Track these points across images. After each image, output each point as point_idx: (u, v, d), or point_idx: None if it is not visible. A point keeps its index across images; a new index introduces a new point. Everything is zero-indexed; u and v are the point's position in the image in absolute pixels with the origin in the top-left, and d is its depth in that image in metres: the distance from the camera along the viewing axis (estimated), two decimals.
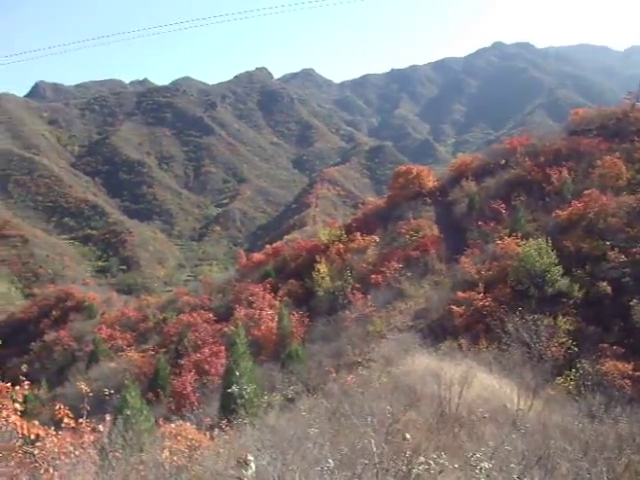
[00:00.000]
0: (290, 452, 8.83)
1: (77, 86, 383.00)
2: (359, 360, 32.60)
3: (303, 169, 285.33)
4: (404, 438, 8.82)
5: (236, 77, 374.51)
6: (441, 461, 6.72)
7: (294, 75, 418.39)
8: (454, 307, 38.02)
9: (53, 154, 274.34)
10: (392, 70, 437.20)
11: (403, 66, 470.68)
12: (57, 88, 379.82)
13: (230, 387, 24.17)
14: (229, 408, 21.71)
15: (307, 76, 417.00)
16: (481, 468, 6.08)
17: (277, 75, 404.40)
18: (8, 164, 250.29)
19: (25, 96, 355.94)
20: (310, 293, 51.56)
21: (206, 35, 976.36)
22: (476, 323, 36.14)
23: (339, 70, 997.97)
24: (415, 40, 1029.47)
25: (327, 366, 32.58)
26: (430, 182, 67.12)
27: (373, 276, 48.54)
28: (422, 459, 6.90)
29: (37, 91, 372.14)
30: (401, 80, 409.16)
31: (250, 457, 8.50)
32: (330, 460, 8.23)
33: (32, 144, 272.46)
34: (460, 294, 39.23)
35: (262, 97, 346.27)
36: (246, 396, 18.62)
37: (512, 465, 9.29)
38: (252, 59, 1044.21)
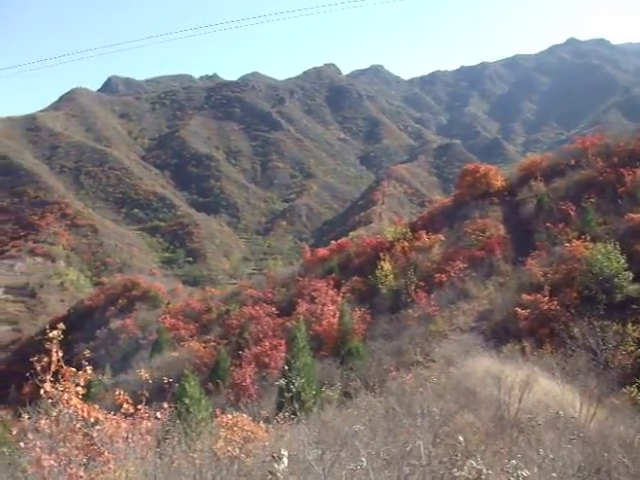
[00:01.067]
0: (339, 448, 8.79)
1: (148, 81, 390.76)
2: (419, 359, 32.31)
3: (370, 166, 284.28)
4: (457, 441, 8.66)
5: (304, 73, 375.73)
6: (487, 470, 6.54)
7: (363, 71, 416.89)
8: (518, 310, 37.23)
9: (124, 147, 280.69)
10: (462, 67, 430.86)
11: (473, 63, 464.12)
12: (129, 83, 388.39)
13: (288, 381, 24.36)
14: (285, 401, 21.81)
15: (376, 72, 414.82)
16: (518, 476, 5.88)
17: (346, 71, 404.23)
18: (81, 156, 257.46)
19: (98, 90, 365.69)
20: (373, 290, 51.30)
21: (275, 31, 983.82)
22: (541, 327, 35.30)
23: (408, 67, 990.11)
24: (485, 37, 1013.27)
25: (387, 364, 32.37)
26: (498, 181, 65.94)
27: (437, 275, 48.05)
28: (472, 463, 6.74)
29: (110, 85, 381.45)
30: (471, 77, 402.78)
31: (284, 452, 8.48)
32: (380, 459, 8.17)
33: (104, 137, 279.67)
34: (525, 296, 38.38)
35: (330, 93, 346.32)
36: (294, 390, 18.71)
37: (568, 475, 9.03)
38: (321, 55, 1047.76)
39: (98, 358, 62.24)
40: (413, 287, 47.42)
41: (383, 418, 14.86)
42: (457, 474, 6.24)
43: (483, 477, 6.23)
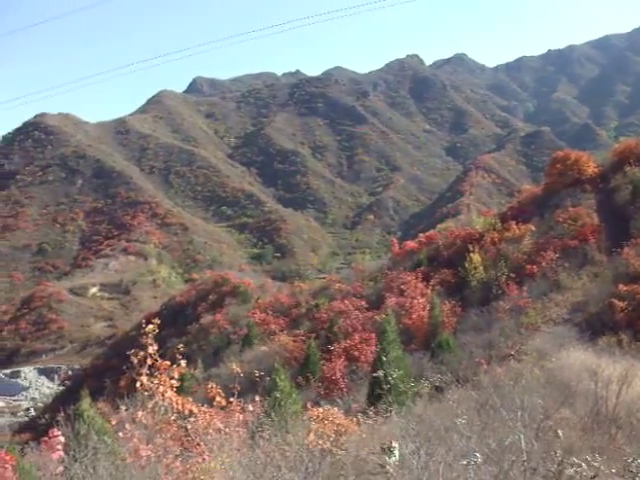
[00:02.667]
0: (435, 442, 8.66)
1: (232, 80, 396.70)
2: (511, 352, 31.61)
3: (457, 156, 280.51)
4: (557, 436, 8.36)
5: (387, 65, 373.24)
6: (595, 464, 6.29)
7: (446, 61, 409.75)
8: (615, 301, 35.84)
9: (211, 146, 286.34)
10: (549, 51, 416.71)
11: (560, 46, 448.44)
12: (213, 83, 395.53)
13: (385, 372, 24.25)
14: (376, 395, 21.74)
15: (459, 61, 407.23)
16: None
17: (428, 61, 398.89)
18: (169, 156, 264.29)
19: (184, 92, 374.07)
20: (463, 282, 50.57)
21: (356, 24, 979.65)
22: (639, 319, 34.01)
23: (493, 53, 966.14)
24: (573, 18, 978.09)
25: (478, 357, 31.83)
26: (590, 168, 63.70)
27: (528, 266, 46.90)
28: (575, 460, 6.49)
29: (195, 86, 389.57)
30: (558, 61, 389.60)
31: (394, 444, 8.40)
32: (478, 454, 7.99)
33: (191, 137, 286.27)
34: (622, 287, 36.89)
35: (414, 84, 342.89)
36: (392, 382, 18.55)
37: None
38: (403, 46, 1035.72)
39: (190, 352, 63.64)
40: (504, 279, 46.46)
41: (478, 412, 14.61)
42: (565, 472, 6.02)
43: (585, 475, 5.99)
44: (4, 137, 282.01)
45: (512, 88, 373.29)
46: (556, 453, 7.38)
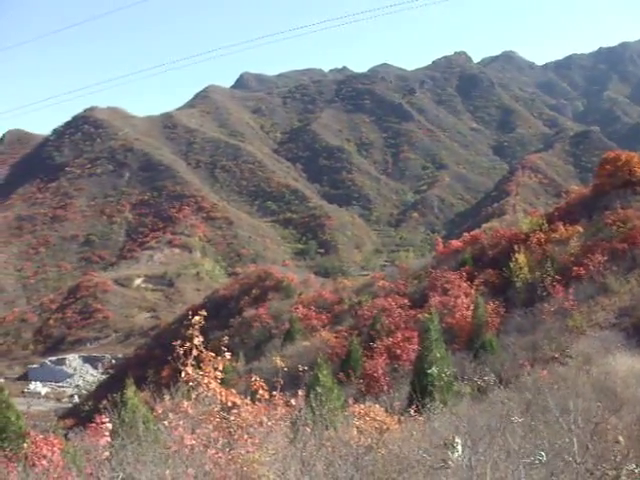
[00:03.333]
0: (483, 442, 8.57)
1: (279, 76, 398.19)
2: (555, 355, 31.12)
3: (503, 156, 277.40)
4: (616, 441, 8.16)
5: (434, 62, 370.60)
6: None
7: (494, 58, 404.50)
8: None
9: (257, 141, 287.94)
10: (600, 49, 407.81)
11: (613, 44, 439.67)
12: (260, 78, 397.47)
13: (422, 372, 24.14)
14: (421, 393, 21.62)
15: (508, 59, 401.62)
16: None
17: (476, 59, 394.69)
18: (216, 151, 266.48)
19: (231, 87, 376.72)
20: (507, 283, 49.98)
21: (404, 21, 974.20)
22: None
23: (542, 51, 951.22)
24: (626, 14, 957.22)
25: (521, 359, 31.46)
26: None
27: (575, 268, 46.09)
28: (633, 466, 6.37)
29: (242, 82, 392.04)
30: (610, 59, 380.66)
31: (457, 439, 8.35)
32: (543, 453, 7.87)
33: (237, 132, 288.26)
34: None
35: (461, 82, 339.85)
36: (445, 379, 18.51)
37: None
38: (451, 43, 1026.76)
39: (232, 345, 63.84)
40: (549, 280, 45.79)
41: (522, 413, 14.43)
42: (622, 478, 5.89)
43: None
44: (55, 130, 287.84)
45: (561, 87, 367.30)
46: (615, 458, 7.23)
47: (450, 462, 6.93)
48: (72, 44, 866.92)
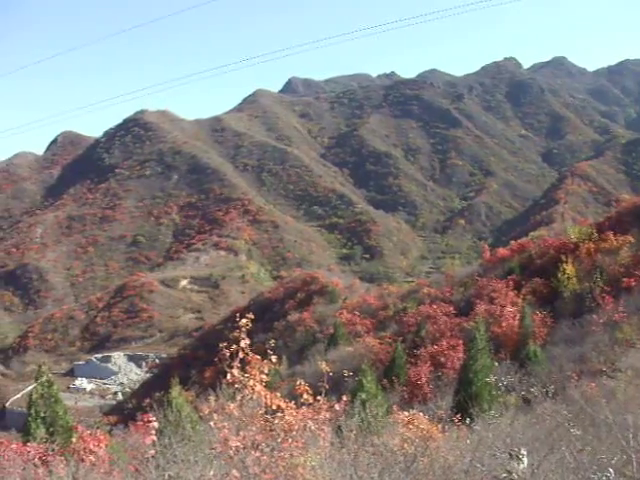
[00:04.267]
0: (538, 454, 8.42)
1: (327, 81, 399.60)
2: (604, 368, 30.48)
3: (553, 163, 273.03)
4: None
5: (483, 68, 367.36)
6: None
7: (544, 64, 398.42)
8: None
9: (304, 145, 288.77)
10: None
11: None
12: (308, 83, 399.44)
13: (467, 381, 23.87)
14: (465, 402, 21.41)
15: (558, 65, 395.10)
16: None
17: (526, 65, 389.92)
18: (263, 155, 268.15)
19: (279, 91, 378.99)
20: (555, 293, 49.14)
21: (452, 26, 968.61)
22: None
23: (594, 57, 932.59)
24: None
25: (568, 371, 30.90)
26: None
27: (625, 279, 45.04)
28: None
29: (290, 86, 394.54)
30: None
31: (523, 451, 8.22)
32: (611, 470, 7.68)
33: (285, 136, 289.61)
34: None
35: (510, 88, 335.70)
36: (491, 389, 18.31)
37: None
38: (500, 49, 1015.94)
39: (275, 349, 64.10)
40: (598, 291, 44.88)
41: (569, 426, 14.14)
42: None
43: None
44: (106, 132, 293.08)
45: (613, 93, 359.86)
46: None
47: (515, 474, 6.79)
48: (125, 48, 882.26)
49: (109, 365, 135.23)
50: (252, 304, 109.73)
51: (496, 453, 7.51)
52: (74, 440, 16.95)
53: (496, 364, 30.06)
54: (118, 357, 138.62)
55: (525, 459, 7.53)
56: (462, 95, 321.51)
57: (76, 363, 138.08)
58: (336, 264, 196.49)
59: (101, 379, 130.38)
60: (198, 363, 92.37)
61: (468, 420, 15.70)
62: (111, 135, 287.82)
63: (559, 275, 49.15)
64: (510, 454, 7.24)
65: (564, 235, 65.91)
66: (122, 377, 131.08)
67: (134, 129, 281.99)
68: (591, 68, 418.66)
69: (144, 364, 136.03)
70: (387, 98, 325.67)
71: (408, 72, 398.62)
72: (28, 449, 13.09)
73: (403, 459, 9.18)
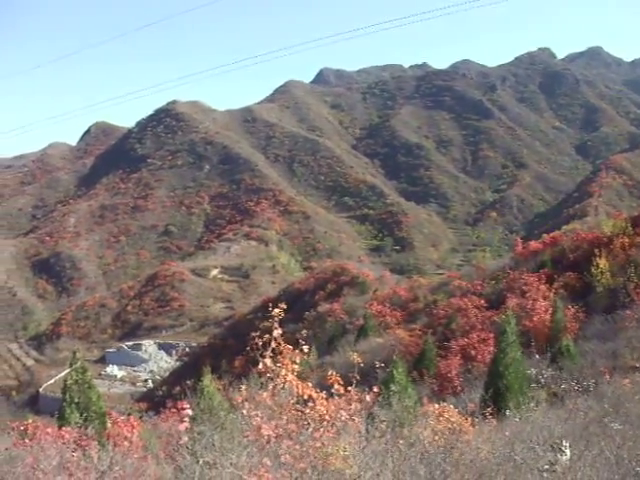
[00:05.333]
0: (577, 448, 8.39)
1: (359, 71, 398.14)
2: (637, 365, 30.13)
3: (587, 155, 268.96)
4: None
5: (517, 58, 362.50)
6: None
7: (579, 54, 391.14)
8: None
9: (335, 136, 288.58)
10: None
11: None
12: (340, 74, 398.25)
13: (497, 375, 23.76)
14: (495, 396, 21.32)
15: (594, 55, 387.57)
16: None
17: (561, 55, 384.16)
18: (294, 145, 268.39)
19: (311, 82, 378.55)
20: (588, 288, 48.50)
21: (485, 16, 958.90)
22: None
23: (630, 47, 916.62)
24: None
25: (600, 367, 30.58)
26: None
27: None
28: None
29: (321, 77, 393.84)
30: None
31: (565, 443, 8.21)
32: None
33: (316, 127, 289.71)
34: None
35: (544, 79, 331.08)
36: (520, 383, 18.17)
37: None
38: (534, 39, 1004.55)
39: (305, 339, 64.23)
40: (633, 286, 44.27)
41: (598, 423, 14.03)
42: None
43: None
44: (138, 123, 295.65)
45: None
46: None
47: (557, 466, 6.77)
48: (157, 39, 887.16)
49: (140, 353, 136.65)
50: (282, 294, 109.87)
51: (534, 446, 7.47)
52: (108, 426, 17.22)
53: (526, 358, 29.88)
54: (149, 345, 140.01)
55: (567, 451, 7.50)
56: (495, 86, 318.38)
57: (107, 350, 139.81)
58: (366, 255, 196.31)
59: (132, 366, 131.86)
60: (228, 352, 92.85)
61: (499, 413, 15.66)
62: (143, 126, 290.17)
63: (592, 269, 48.53)
64: (552, 446, 7.20)
65: (598, 229, 65.05)
66: (152, 365, 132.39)
67: (166, 120, 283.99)
68: (628, 58, 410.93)
69: (174, 352, 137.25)
70: (419, 89, 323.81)
71: (440, 63, 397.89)
72: (63, 433, 13.32)
73: (434, 451, 9.18)
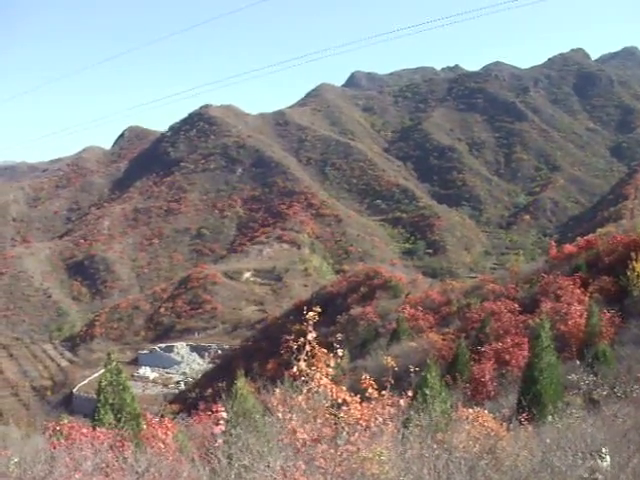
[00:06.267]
0: (620, 456, 8.26)
1: (390, 74, 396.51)
2: None
3: (622, 157, 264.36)
4: None
5: (549, 60, 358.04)
6: None
7: (614, 55, 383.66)
8: None
9: (367, 139, 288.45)
10: None
11: None
12: (371, 77, 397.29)
13: (531, 380, 23.50)
14: (530, 401, 21.12)
15: (629, 55, 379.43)
16: None
17: (595, 55, 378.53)
18: (326, 148, 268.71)
19: (342, 86, 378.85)
20: (624, 292, 47.81)
21: (518, 17, 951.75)
22: None
23: None
24: None
25: (637, 372, 30.12)
26: None
27: None
28: None
29: (353, 80, 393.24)
30: None
31: (604, 450, 8.14)
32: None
33: (348, 130, 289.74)
34: None
35: (578, 80, 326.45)
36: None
37: None
38: (567, 40, 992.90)
39: (340, 342, 64.08)
40: None
41: (636, 430, 13.80)
42: None
43: None
44: (171, 127, 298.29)
45: None
46: None
47: (598, 474, 6.68)
48: (190, 44, 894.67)
49: (172, 355, 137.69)
50: (315, 297, 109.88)
51: (574, 453, 7.35)
52: (144, 427, 17.34)
53: (561, 363, 29.54)
54: (181, 347, 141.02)
55: (608, 457, 7.38)
56: (528, 88, 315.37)
57: (140, 352, 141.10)
58: (399, 259, 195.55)
59: (164, 368, 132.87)
60: (260, 355, 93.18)
61: (534, 419, 15.48)
62: (176, 129, 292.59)
63: (628, 273, 47.86)
64: (591, 454, 7.10)
65: (633, 232, 64.09)
66: (185, 367, 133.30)
67: (199, 123, 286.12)
68: None
69: (206, 355, 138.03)
70: (451, 92, 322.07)
71: (472, 65, 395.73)
72: (99, 434, 13.44)
73: (472, 457, 9.10)
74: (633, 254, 50.86)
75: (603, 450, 7.38)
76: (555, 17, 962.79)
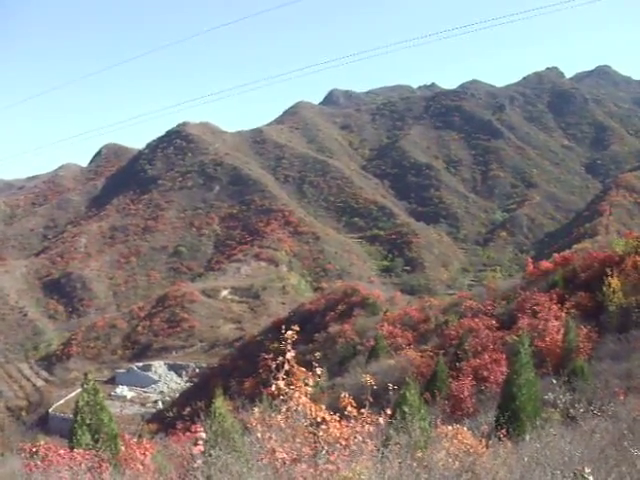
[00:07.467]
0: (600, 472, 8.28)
1: (368, 92, 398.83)
2: None
3: (596, 174, 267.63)
4: None
5: (525, 78, 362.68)
6: None
7: (588, 73, 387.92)
8: None
9: (345, 157, 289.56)
10: None
11: None
12: (349, 95, 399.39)
13: (510, 396, 23.58)
14: (508, 417, 21.18)
15: (602, 74, 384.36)
16: None
17: (569, 74, 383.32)
18: (304, 166, 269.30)
19: (320, 103, 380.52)
20: (600, 307, 48.17)
21: (493, 37, 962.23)
22: None
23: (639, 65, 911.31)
24: None
25: (614, 387, 30.27)
26: None
27: None
28: None
29: (331, 98, 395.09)
30: None
31: (587, 469, 8.13)
32: None
33: (326, 148, 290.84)
34: None
35: (552, 98, 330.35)
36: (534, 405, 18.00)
37: None
38: (542, 59, 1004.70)
39: (318, 360, 63.95)
40: None
41: (614, 446, 13.84)
42: None
43: None
44: (148, 144, 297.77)
45: None
46: None
47: None
48: (167, 61, 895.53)
49: (150, 374, 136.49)
50: (292, 315, 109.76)
51: (555, 470, 7.35)
52: (122, 448, 17.15)
53: (539, 379, 29.64)
54: (159, 366, 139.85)
55: (591, 478, 7.38)
56: (503, 106, 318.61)
57: (117, 371, 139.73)
58: (377, 276, 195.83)
59: (141, 387, 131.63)
60: (238, 373, 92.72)
61: (513, 435, 15.50)
62: (153, 147, 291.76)
63: (604, 289, 48.20)
64: (574, 473, 7.08)
65: (609, 248, 64.64)
66: (162, 386, 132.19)
67: (176, 141, 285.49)
68: (637, 76, 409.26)
69: (184, 373, 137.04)
70: (428, 109, 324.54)
71: (449, 83, 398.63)
72: (76, 455, 13.27)
73: (451, 474, 9.08)
74: (609, 270, 51.26)
75: (587, 470, 7.38)
76: (529, 36, 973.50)
